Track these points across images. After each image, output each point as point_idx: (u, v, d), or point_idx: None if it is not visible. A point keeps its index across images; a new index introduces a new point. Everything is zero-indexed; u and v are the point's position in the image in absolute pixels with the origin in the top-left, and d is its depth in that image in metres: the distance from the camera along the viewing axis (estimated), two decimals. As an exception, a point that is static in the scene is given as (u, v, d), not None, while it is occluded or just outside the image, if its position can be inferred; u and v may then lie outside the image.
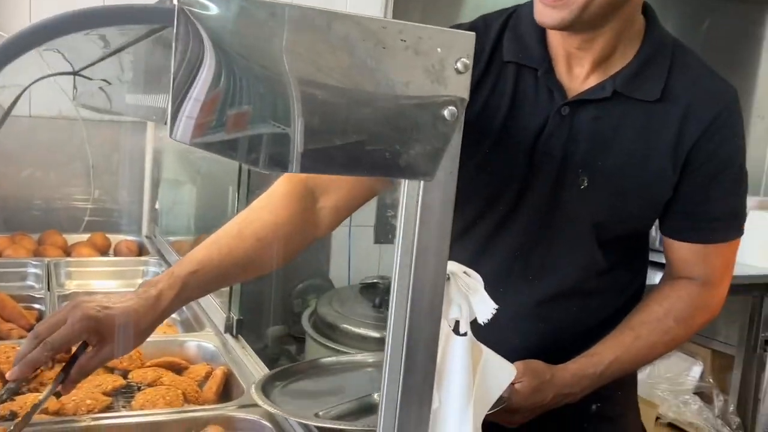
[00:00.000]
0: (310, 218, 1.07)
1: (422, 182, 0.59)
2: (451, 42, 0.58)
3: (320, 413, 0.92)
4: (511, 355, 0.91)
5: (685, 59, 1.08)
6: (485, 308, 0.69)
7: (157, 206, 2.30)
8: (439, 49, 0.58)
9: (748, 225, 3.29)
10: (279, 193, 1.06)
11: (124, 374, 1.20)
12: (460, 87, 0.59)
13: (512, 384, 0.93)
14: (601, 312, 1.13)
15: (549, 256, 1.10)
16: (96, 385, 1.12)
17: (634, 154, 1.04)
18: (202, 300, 1.60)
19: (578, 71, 1.06)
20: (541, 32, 1.07)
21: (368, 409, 0.97)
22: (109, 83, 1.27)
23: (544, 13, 0.97)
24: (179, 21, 0.50)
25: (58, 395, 1.04)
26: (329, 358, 1.23)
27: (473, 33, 0.59)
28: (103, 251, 2.14)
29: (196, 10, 0.51)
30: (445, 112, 0.59)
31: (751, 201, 3.22)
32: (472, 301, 0.69)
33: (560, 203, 1.07)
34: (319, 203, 1.08)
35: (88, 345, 0.90)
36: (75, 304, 0.90)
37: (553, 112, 1.04)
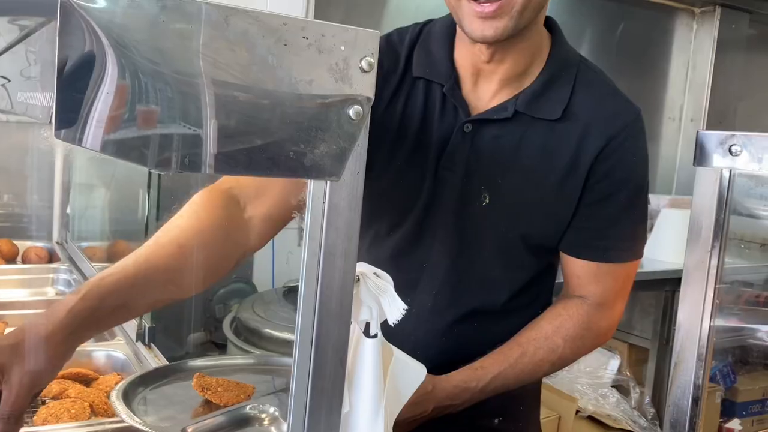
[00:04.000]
0: (238, 227, 0.98)
1: (328, 182, 0.58)
2: (355, 40, 0.57)
3: (189, 429, 0.85)
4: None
5: (589, 77, 1.08)
6: (395, 309, 0.68)
7: (68, 211, 2.21)
8: (342, 47, 0.56)
9: (661, 222, 3.42)
10: (198, 202, 0.97)
11: (28, 388, 1.13)
12: (366, 86, 0.58)
13: None
14: (513, 329, 1.11)
15: (458, 271, 1.09)
16: (-5, 400, 1.05)
17: (533, 172, 1.04)
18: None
19: (485, 88, 1.06)
20: (449, 48, 1.07)
21: (242, 421, 0.90)
22: (9, 80, 1.20)
23: (483, 27, 0.94)
24: (63, 14, 0.47)
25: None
26: (202, 360, 1.09)
27: (377, 32, 0.58)
28: (10, 258, 2.05)
29: (83, 2, 0.48)
30: (351, 111, 0.58)
31: (663, 199, 3.36)
32: (382, 302, 0.68)
33: (464, 219, 1.07)
34: (246, 212, 0.99)
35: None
36: None
37: (456, 129, 1.05)
